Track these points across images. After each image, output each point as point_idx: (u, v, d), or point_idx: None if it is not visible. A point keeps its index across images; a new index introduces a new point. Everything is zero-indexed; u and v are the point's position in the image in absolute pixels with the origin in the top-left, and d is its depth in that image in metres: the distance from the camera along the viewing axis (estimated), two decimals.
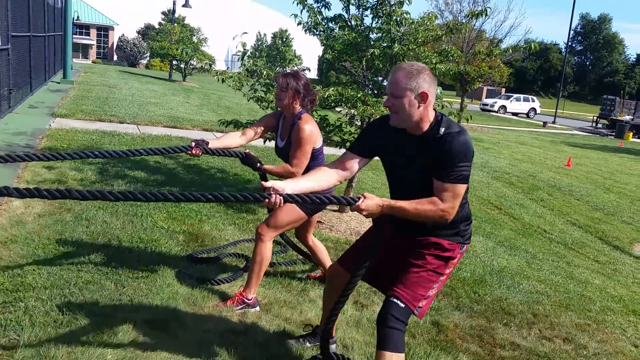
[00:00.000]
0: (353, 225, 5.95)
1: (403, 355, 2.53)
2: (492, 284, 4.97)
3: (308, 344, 3.35)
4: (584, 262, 7.09)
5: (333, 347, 3.33)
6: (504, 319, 4.24)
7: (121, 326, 3.19)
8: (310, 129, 3.66)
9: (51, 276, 3.72)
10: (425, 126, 2.56)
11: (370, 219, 2.72)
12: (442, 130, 2.52)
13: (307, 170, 3.61)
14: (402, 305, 2.53)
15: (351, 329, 3.65)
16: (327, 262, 4.22)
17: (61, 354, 2.84)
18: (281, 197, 2.40)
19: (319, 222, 5.80)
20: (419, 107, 2.51)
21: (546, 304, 4.75)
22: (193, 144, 3.42)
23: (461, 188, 2.49)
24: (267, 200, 2.39)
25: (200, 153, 3.43)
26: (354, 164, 2.77)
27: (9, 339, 2.92)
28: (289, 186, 2.51)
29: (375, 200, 2.47)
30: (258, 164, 3.70)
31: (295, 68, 6.30)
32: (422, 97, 2.50)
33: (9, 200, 5.10)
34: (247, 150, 3.75)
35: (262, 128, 3.91)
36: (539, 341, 3.97)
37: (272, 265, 4.46)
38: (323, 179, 2.72)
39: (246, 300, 3.68)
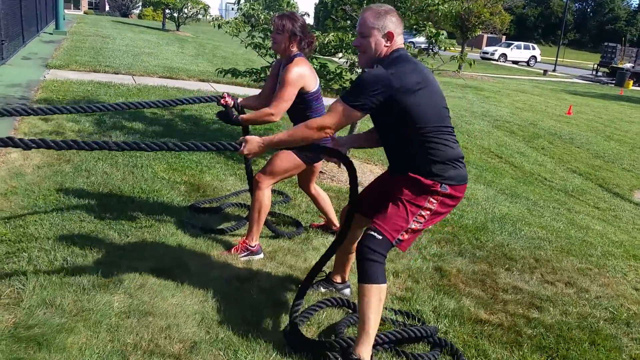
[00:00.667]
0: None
1: (384, 286, 2.59)
2: (494, 230, 4.98)
3: (322, 289, 3.36)
4: (585, 209, 7.11)
5: (347, 291, 3.36)
6: (506, 264, 4.26)
7: (126, 274, 3.19)
8: (299, 71, 3.51)
9: (53, 227, 3.71)
10: None
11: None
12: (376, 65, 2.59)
13: (304, 117, 3.47)
14: (380, 237, 2.57)
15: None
16: (331, 211, 4.20)
17: (67, 302, 2.84)
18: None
19: (320, 172, 5.77)
20: (385, 46, 2.61)
21: (548, 249, 4.77)
22: (226, 94, 3.66)
23: (344, 107, 2.51)
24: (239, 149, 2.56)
25: (232, 103, 3.66)
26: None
27: (14, 289, 2.92)
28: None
29: (255, 140, 2.59)
30: (234, 116, 3.61)
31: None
32: (388, 37, 2.60)
33: (7, 152, 5.04)
34: (226, 102, 3.67)
35: (274, 80, 3.80)
36: (541, 285, 4.00)
37: (272, 214, 4.43)
38: (370, 138, 2.92)
39: (249, 247, 3.68)
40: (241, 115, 3.66)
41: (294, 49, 3.61)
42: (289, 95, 3.49)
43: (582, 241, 5.26)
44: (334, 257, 3.18)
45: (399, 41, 2.65)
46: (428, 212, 2.65)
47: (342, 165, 5.82)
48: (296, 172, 3.81)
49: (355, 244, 3.14)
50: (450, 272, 3.92)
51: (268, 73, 6.14)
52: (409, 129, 2.58)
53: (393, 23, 2.60)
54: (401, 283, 3.65)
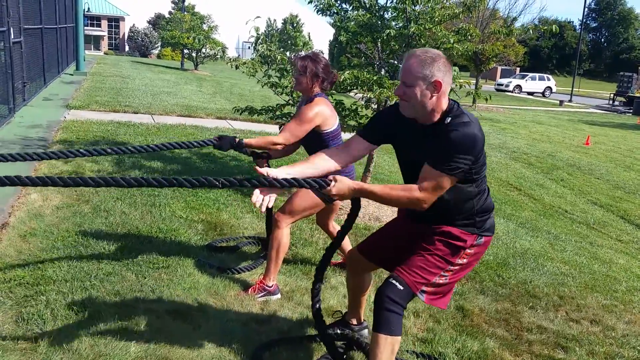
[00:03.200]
0: (371, 211, 5.88)
1: (398, 338, 2.48)
2: (516, 266, 4.88)
3: (339, 332, 3.29)
4: (607, 242, 6.96)
5: (365, 332, 3.28)
6: (529, 302, 4.16)
7: (143, 317, 3.16)
8: (317, 110, 3.51)
9: (71, 269, 3.71)
10: (437, 116, 2.44)
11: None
12: (449, 119, 2.40)
13: None
14: (401, 287, 2.46)
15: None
16: (349, 248, 4.16)
17: (84, 347, 2.82)
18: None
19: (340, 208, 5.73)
20: (431, 97, 2.38)
21: (571, 285, 4.66)
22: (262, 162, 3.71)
23: (446, 181, 2.35)
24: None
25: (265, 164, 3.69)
26: (361, 149, 2.68)
27: (31, 333, 2.91)
28: (284, 171, 2.45)
29: (347, 183, 2.38)
30: (237, 141, 3.54)
31: (312, 51, 6.18)
32: (435, 87, 2.37)
33: (27, 193, 5.10)
34: (220, 134, 3.67)
35: None
36: (566, 324, 3.89)
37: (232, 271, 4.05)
38: (322, 163, 2.62)
39: (267, 287, 3.64)
40: (244, 140, 3.59)
41: (316, 89, 3.63)
42: (300, 132, 3.51)
43: (606, 276, 5.13)
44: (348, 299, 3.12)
45: (447, 91, 2.45)
46: (458, 267, 2.58)
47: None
48: (315, 211, 3.78)
49: (365, 286, 3.11)
50: (472, 311, 3.83)
51: (284, 110, 6.20)
52: (468, 183, 2.49)
53: (441, 71, 2.37)
54: (422, 324, 3.57)
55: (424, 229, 2.62)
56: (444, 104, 2.44)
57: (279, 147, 3.57)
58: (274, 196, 2.39)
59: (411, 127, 2.52)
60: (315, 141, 3.59)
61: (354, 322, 3.27)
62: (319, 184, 2.38)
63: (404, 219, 2.82)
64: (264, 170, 2.38)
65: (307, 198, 3.61)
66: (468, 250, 2.58)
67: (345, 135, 6.51)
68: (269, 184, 2.32)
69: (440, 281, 2.55)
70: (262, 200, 2.36)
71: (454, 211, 2.55)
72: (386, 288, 2.47)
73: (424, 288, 2.51)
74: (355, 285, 3.12)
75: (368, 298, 3.34)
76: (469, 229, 2.57)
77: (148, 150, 3.23)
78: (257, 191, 2.35)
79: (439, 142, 2.36)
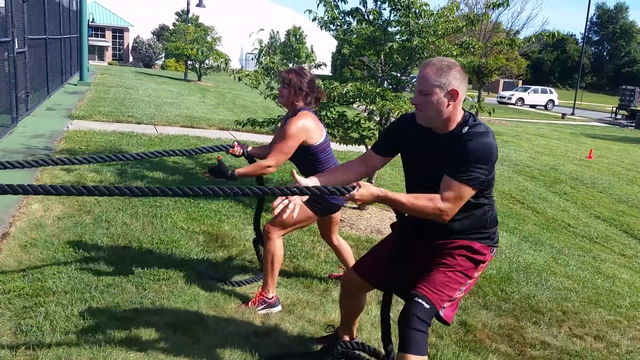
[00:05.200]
0: (373, 223, 5.86)
1: (426, 357, 2.41)
2: (519, 281, 4.85)
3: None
4: (611, 257, 6.92)
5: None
6: (532, 317, 4.12)
7: (143, 330, 3.14)
8: (301, 124, 3.46)
9: (71, 280, 3.69)
10: (453, 126, 2.44)
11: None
12: (466, 128, 2.41)
13: (312, 169, 3.45)
14: (428, 306, 2.40)
15: (376, 330, 3.56)
16: (352, 262, 4.13)
17: None
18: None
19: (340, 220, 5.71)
20: (448, 105, 2.39)
21: (575, 300, 4.62)
22: (236, 143, 3.67)
23: (467, 191, 2.36)
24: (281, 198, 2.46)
25: (240, 152, 3.69)
26: (377, 163, 2.73)
27: (30, 345, 2.88)
28: (311, 181, 2.52)
29: (371, 189, 2.38)
30: (230, 173, 3.54)
31: (312, 64, 6.18)
32: (452, 95, 2.38)
33: (28, 203, 5.09)
34: (220, 158, 3.63)
35: None
36: (569, 339, 3.85)
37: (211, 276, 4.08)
38: (341, 177, 2.65)
39: (267, 300, 3.61)
40: (237, 170, 3.57)
41: (300, 104, 3.58)
42: (287, 148, 3.48)
43: (609, 291, 5.09)
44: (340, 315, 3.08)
45: (463, 99, 2.47)
46: (473, 280, 2.57)
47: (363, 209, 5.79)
48: (308, 224, 3.76)
49: (361, 307, 3.07)
50: (475, 326, 3.80)
51: None
52: (482, 195, 2.49)
53: (457, 80, 2.39)
54: None
55: (438, 245, 2.58)
56: (459, 113, 2.45)
57: (271, 170, 3.54)
58: (298, 204, 2.47)
59: (424, 136, 2.52)
60: (304, 156, 3.55)
61: (346, 338, 3.23)
62: (341, 190, 2.40)
63: (403, 237, 2.73)
64: (298, 178, 2.47)
65: (299, 210, 3.57)
66: (485, 264, 2.57)
67: (348, 148, 6.54)
68: (300, 192, 2.39)
69: (458, 295, 2.54)
70: (289, 206, 2.45)
71: (470, 225, 2.54)
72: (413, 307, 2.40)
73: (445, 305, 2.49)
74: (350, 307, 3.07)
75: (368, 312, 3.31)
76: (486, 241, 2.56)
77: (151, 157, 3.21)
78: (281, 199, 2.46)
79: (457, 152, 2.37)
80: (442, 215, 2.38)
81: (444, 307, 2.49)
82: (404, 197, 2.40)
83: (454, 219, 2.45)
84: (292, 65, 6.38)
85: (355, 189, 2.37)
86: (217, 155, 3.70)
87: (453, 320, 3.77)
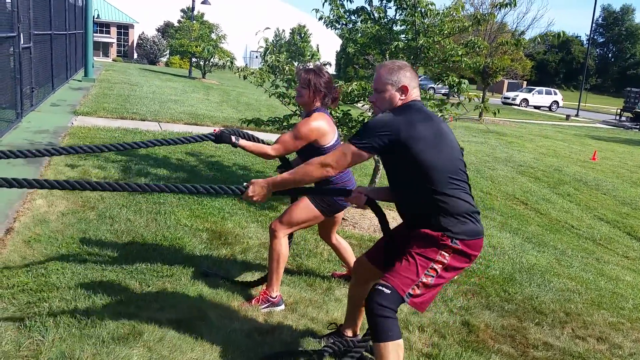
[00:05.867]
0: (376, 222, 5.86)
1: (400, 341, 2.48)
2: (522, 282, 4.84)
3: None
4: (614, 258, 6.90)
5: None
6: (535, 318, 4.11)
7: (146, 326, 3.14)
8: (315, 126, 3.47)
9: (75, 276, 3.69)
10: None
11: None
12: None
13: None
14: (388, 291, 2.48)
15: None
16: (352, 260, 4.13)
17: (86, 355, 2.80)
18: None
19: (343, 219, 5.71)
20: (399, 100, 2.65)
21: (578, 302, 4.61)
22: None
23: (348, 147, 2.54)
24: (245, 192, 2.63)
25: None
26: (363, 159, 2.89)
27: (33, 340, 2.89)
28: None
29: (259, 183, 2.64)
30: (234, 139, 3.49)
31: (318, 63, 6.17)
32: (403, 91, 2.65)
33: (32, 199, 5.10)
34: (222, 128, 3.64)
35: None
36: (572, 341, 3.85)
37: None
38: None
39: (270, 298, 3.61)
40: (240, 141, 3.54)
41: (317, 104, 3.60)
42: (294, 146, 3.50)
43: (612, 293, 5.08)
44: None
45: (414, 94, 2.69)
46: (440, 266, 2.55)
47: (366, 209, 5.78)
48: (314, 223, 3.75)
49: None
50: (478, 326, 3.79)
51: (291, 121, 6.20)
52: (419, 180, 2.55)
53: (407, 77, 2.66)
54: (427, 338, 3.53)
55: (408, 235, 2.69)
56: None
57: (268, 157, 3.55)
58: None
59: None
60: (313, 154, 3.54)
61: (349, 333, 3.24)
62: (234, 190, 2.60)
63: (398, 228, 2.90)
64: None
65: (306, 209, 3.58)
66: (445, 249, 2.54)
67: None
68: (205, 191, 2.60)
69: (427, 281, 2.53)
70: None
71: (416, 211, 2.65)
72: (374, 295, 2.49)
73: (411, 291, 2.51)
74: (357, 295, 3.09)
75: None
76: (438, 230, 2.56)
77: (149, 146, 3.17)
78: None
79: None
80: (326, 168, 2.59)
81: (409, 293, 2.50)
82: (288, 173, 2.67)
83: (407, 203, 2.70)
84: (297, 64, 6.38)
85: (248, 188, 2.61)
86: (215, 146, 3.70)
87: (455, 320, 3.79)
